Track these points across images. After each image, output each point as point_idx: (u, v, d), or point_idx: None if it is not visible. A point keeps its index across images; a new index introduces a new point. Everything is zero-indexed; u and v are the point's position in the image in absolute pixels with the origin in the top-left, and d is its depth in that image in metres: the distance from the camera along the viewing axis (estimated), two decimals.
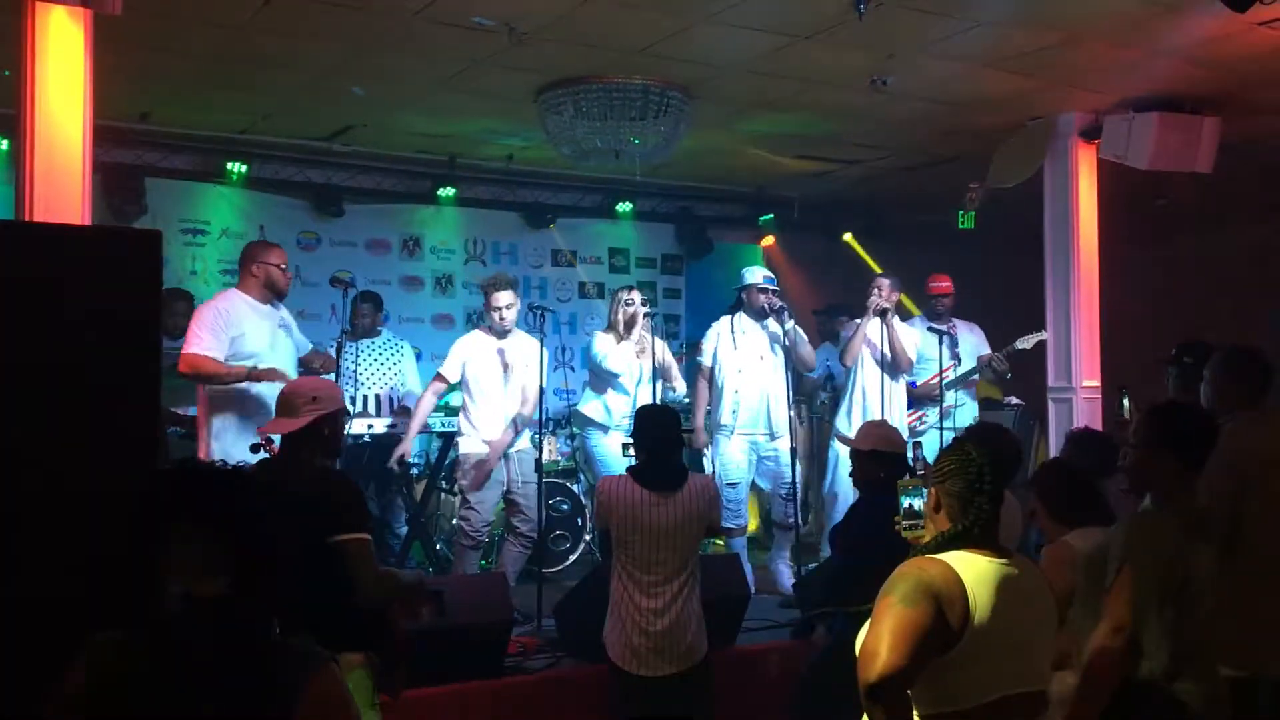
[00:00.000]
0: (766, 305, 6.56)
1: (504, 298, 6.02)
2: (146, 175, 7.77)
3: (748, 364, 6.56)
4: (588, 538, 7.35)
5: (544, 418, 6.46)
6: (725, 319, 6.74)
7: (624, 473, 4.41)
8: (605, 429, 6.56)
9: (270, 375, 5.08)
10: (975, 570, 2.43)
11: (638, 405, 6.38)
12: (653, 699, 4.15)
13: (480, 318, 7.07)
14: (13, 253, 3.12)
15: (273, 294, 5.37)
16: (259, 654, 1.82)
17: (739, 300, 6.76)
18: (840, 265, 10.01)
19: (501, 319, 6.01)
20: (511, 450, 6.04)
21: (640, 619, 4.15)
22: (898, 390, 6.89)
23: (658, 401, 6.33)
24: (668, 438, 4.38)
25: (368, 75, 6.42)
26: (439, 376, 6.12)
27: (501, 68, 6.19)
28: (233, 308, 5.23)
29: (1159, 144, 6.71)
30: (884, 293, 6.85)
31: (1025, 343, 7.19)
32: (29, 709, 1.81)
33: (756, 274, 6.72)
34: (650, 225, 10.18)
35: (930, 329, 7.16)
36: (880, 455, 4.28)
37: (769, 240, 10.49)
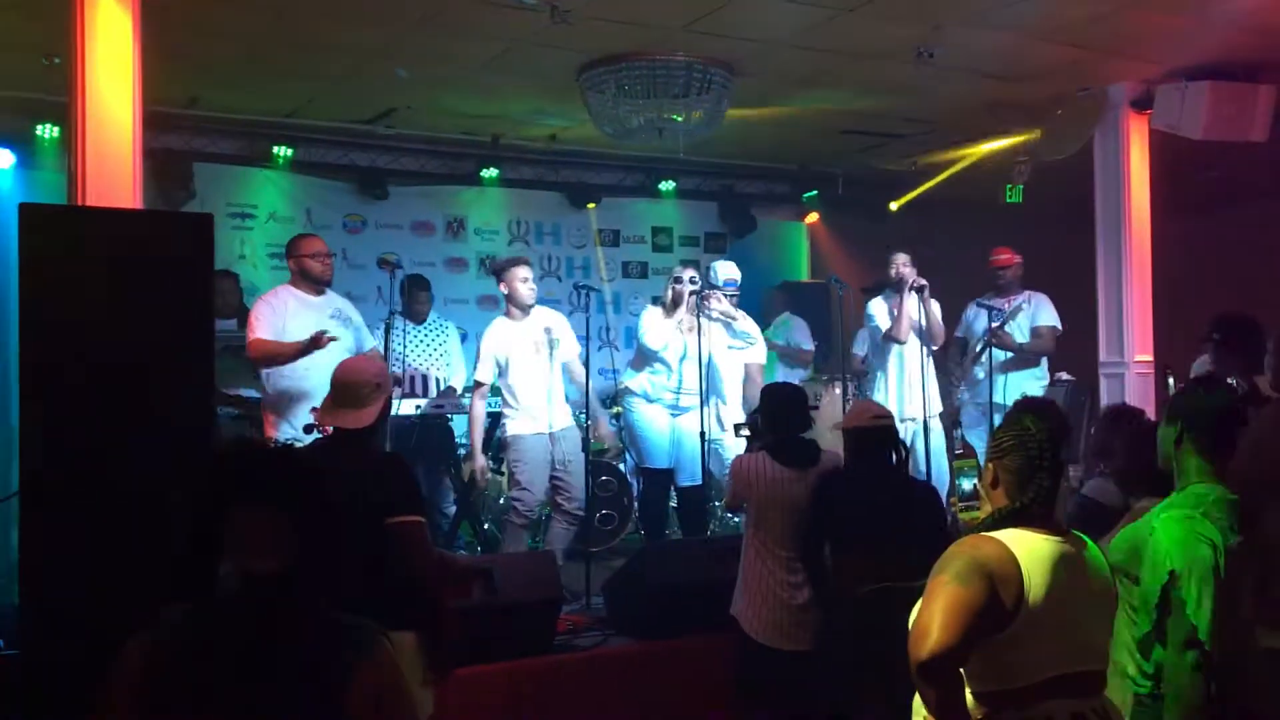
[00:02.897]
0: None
1: (525, 271, 6.07)
2: (195, 160, 7.85)
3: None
4: (635, 517, 7.37)
5: (589, 397, 6.47)
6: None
7: (759, 451, 4.44)
8: (647, 401, 6.54)
9: (322, 341, 5.25)
10: (1030, 548, 2.39)
11: (685, 380, 6.38)
12: (794, 672, 4.18)
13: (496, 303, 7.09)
14: (68, 237, 3.17)
15: (315, 284, 5.57)
16: (315, 631, 1.84)
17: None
18: (885, 242, 9.91)
19: (533, 291, 6.06)
20: (557, 430, 6.04)
21: (783, 593, 4.20)
22: (929, 365, 6.90)
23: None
24: (798, 415, 4.45)
25: (411, 57, 6.44)
26: (477, 383, 6.04)
27: (544, 47, 6.18)
28: (279, 301, 5.54)
29: (1213, 113, 6.58)
30: (903, 267, 6.85)
31: (1012, 318, 7.07)
32: (95, 681, 1.85)
33: (720, 274, 6.64)
34: (693, 204, 10.14)
35: (979, 305, 7.11)
36: (872, 430, 4.23)
37: (813, 217, 10.43)
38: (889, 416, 4.33)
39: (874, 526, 3.90)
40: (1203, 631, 2.65)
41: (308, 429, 3.65)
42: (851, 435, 4.23)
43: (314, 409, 3.76)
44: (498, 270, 6.19)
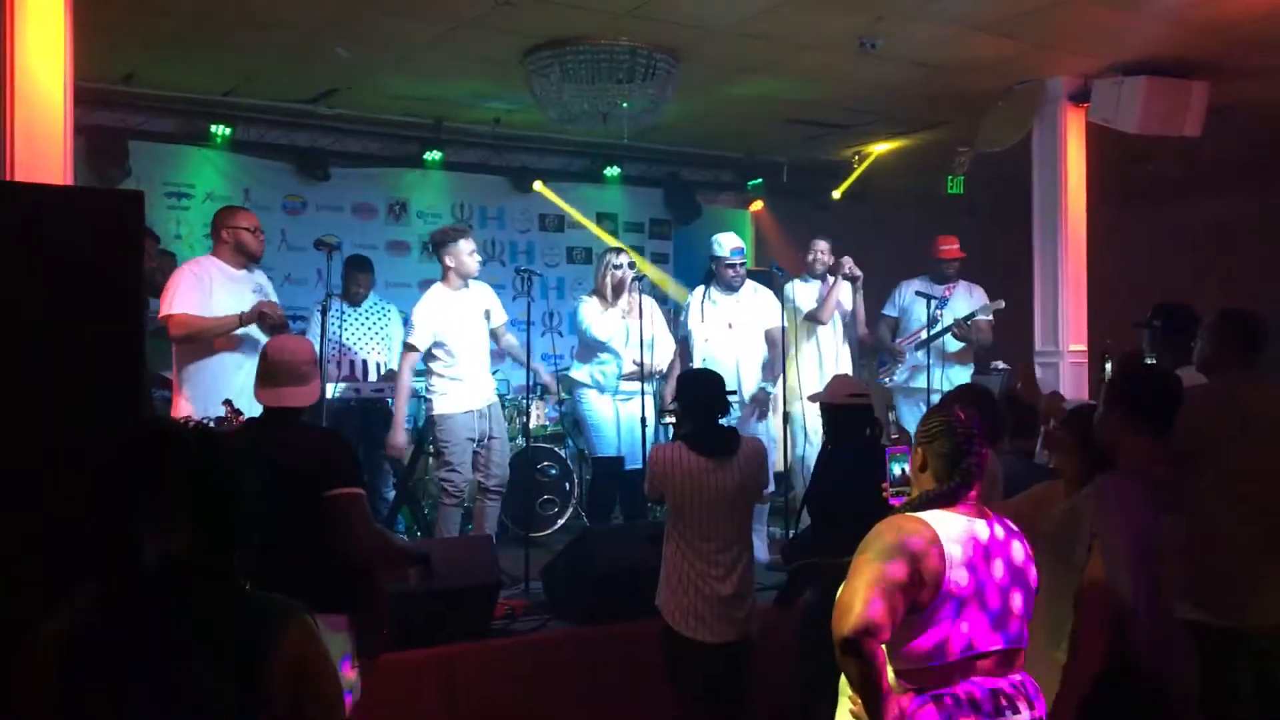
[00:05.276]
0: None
1: (470, 243, 6.01)
2: (130, 138, 7.70)
3: (714, 334, 6.56)
4: (575, 502, 7.37)
5: (531, 382, 6.45)
6: (700, 289, 6.79)
7: (676, 441, 4.27)
8: (599, 391, 6.53)
9: (257, 316, 5.13)
10: (952, 529, 2.45)
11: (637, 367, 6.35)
12: (714, 664, 4.07)
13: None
14: None
15: (245, 258, 5.40)
16: (231, 609, 1.82)
17: (709, 271, 6.76)
18: (829, 230, 9.97)
19: (478, 262, 6.02)
20: (484, 405, 6.00)
21: (704, 585, 4.05)
22: (845, 351, 7.03)
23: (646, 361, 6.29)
24: (716, 402, 4.26)
25: (353, 36, 6.36)
26: (410, 348, 5.93)
27: (488, 29, 6.14)
28: (205, 272, 5.28)
29: (1148, 108, 6.70)
30: (822, 255, 7.01)
31: (984, 313, 7.19)
32: (5, 661, 1.82)
33: (725, 245, 6.65)
34: (638, 190, 10.14)
35: (917, 293, 7.20)
36: (853, 408, 4.26)
37: (757, 205, 10.47)
38: (867, 394, 4.33)
39: (860, 505, 3.81)
40: None
41: (219, 421, 3.58)
42: (849, 411, 4.18)
43: (226, 400, 3.68)
44: (439, 241, 6.08)
